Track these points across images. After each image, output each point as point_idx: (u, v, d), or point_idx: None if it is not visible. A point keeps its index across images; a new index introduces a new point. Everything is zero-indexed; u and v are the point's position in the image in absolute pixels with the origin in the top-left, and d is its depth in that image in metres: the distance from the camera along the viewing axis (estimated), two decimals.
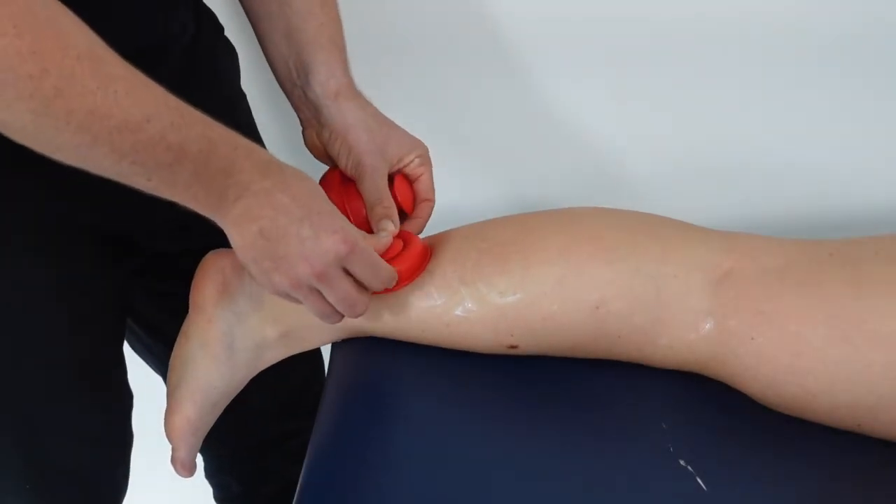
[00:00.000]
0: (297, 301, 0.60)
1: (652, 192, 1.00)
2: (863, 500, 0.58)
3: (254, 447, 0.98)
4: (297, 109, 0.73)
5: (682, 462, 0.60)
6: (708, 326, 0.63)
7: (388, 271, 0.62)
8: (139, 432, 0.81)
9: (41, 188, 0.64)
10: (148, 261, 0.77)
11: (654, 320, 0.63)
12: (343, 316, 0.62)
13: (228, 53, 0.79)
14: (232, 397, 0.71)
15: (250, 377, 0.70)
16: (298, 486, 0.61)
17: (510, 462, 0.61)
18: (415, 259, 0.66)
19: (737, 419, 0.63)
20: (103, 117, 0.48)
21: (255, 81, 0.81)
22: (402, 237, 0.67)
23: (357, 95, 0.71)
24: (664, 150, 0.98)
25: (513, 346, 0.67)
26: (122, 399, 0.79)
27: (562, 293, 0.64)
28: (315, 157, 0.74)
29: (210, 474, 1.03)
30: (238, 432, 0.95)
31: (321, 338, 0.71)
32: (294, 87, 0.71)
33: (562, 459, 0.61)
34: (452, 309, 0.66)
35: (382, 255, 0.63)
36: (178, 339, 0.70)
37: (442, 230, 0.72)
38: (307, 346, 0.71)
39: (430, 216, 0.73)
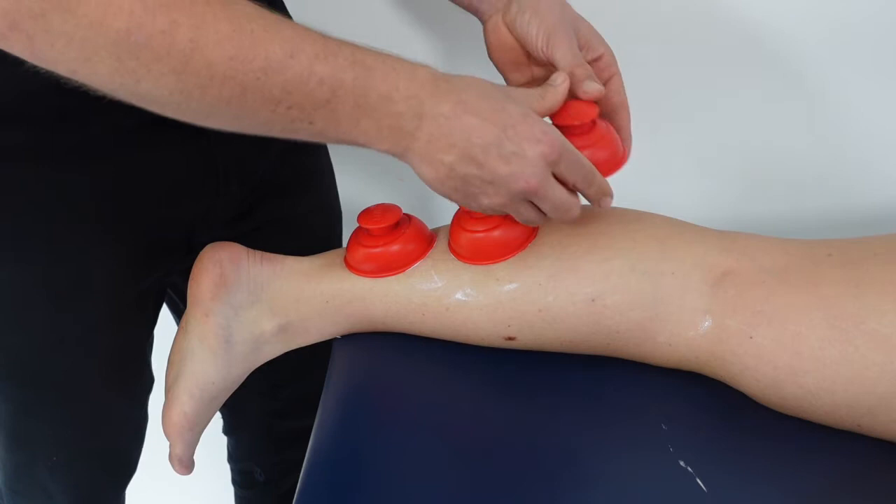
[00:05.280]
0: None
1: (651, 192, 1.00)
2: (863, 500, 0.58)
3: (285, 438, 0.98)
4: (476, 6, 0.68)
5: (682, 462, 0.60)
6: (707, 325, 0.63)
7: (591, 167, 0.58)
8: (153, 417, 0.82)
9: (107, 186, 0.64)
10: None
11: (651, 317, 0.63)
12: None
13: None
14: (231, 392, 0.71)
15: (249, 372, 0.71)
16: (298, 485, 0.61)
17: (510, 461, 0.61)
18: (609, 144, 0.61)
19: (737, 419, 0.63)
20: (245, 61, 0.45)
21: None
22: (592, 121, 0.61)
23: None
24: (663, 149, 0.98)
25: (510, 338, 0.67)
26: (144, 383, 0.81)
27: (557, 285, 0.64)
28: (493, 59, 0.69)
29: (235, 459, 1.04)
30: (272, 420, 0.96)
31: (320, 331, 0.71)
32: None
33: (562, 460, 0.61)
34: (453, 292, 0.66)
35: (578, 146, 0.58)
36: (176, 332, 0.70)
37: (443, 224, 0.71)
38: (306, 341, 0.71)
39: (630, 123, 0.66)
